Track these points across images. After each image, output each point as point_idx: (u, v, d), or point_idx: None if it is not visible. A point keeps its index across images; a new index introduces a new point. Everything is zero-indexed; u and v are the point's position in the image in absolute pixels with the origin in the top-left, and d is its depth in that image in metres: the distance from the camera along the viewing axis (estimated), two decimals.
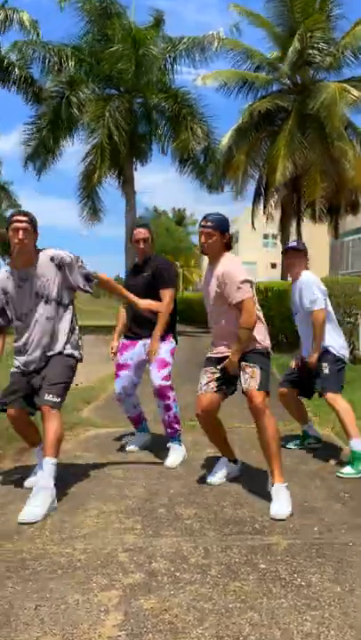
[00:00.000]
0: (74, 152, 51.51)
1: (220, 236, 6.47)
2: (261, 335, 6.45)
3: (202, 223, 6.49)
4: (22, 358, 6.37)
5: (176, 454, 7.59)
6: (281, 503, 5.81)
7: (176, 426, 7.60)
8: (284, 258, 7.80)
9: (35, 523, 5.44)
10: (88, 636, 3.61)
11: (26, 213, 6.30)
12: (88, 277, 6.45)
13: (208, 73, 32.03)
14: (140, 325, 7.76)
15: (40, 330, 6.33)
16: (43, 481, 5.83)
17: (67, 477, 6.62)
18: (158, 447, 7.97)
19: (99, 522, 5.47)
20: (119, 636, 3.62)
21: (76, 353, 6.49)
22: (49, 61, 31.99)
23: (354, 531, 5.33)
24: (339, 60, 30.53)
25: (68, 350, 6.42)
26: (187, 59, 32.79)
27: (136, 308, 7.14)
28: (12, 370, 6.44)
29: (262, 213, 34.69)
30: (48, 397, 6.06)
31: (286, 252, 7.81)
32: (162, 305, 7.41)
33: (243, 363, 6.35)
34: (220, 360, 6.52)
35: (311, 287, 7.48)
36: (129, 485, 6.49)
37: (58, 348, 6.38)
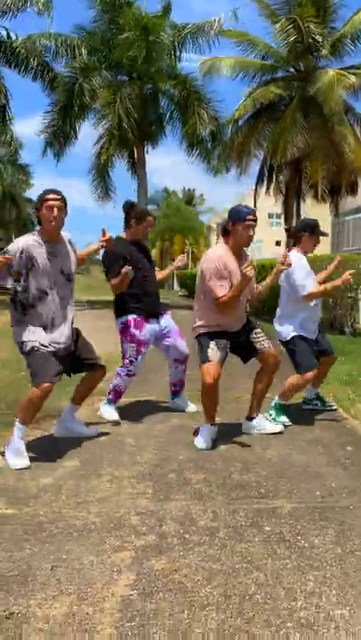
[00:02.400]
0: (86, 135, 51.54)
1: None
2: None
3: (254, 218, 6.71)
4: (50, 335, 6.36)
5: (189, 402, 8.32)
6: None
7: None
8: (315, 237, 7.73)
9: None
10: (102, 595, 3.61)
11: (57, 191, 6.40)
12: None
13: (211, 59, 31.74)
14: (154, 301, 7.96)
15: (65, 306, 6.47)
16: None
17: (81, 445, 6.62)
18: (163, 415, 8.03)
19: (112, 487, 5.47)
20: (131, 594, 3.62)
21: None
22: (63, 50, 31.86)
23: (354, 495, 5.33)
24: (338, 48, 30.39)
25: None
26: (192, 45, 32.77)
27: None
28: (39, 348, 6.29)
29: (265, 194, 34.66)
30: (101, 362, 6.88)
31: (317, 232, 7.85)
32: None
33: (252, 332, 6.89)
34: (231, 335, 6.81)
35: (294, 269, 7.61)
36: (140, 452, 6.49)
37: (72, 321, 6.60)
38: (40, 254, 6.32)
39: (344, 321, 17.08)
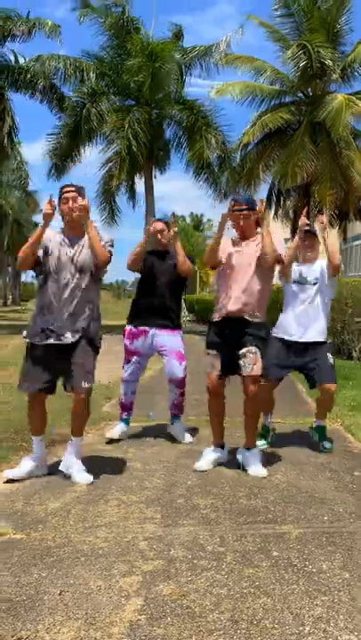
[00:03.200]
0: (91, 160, 51.73)
1: (254, 214, 6.80)
2: (265, 308, 6.84)
3: (236, 207, 6.72)
4: (43, 318, 6.35)
5: (184, 429, 8.23)
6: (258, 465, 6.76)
7: (183, 406, 8.18)
8: (301, 241, 7.75)
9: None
10: (110, 620, 3.62)
11: (73, 185, 6.51)
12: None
13: (220, 85, 31.82)
14: (149, 314, 7.89)
15: (69, 294, 6.35)
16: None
17: (89, 470, 6.62)
18: (172, 439, 8.06)
19: (120, 512, 5.47)
20: (139, 619, 3.63)
21: (96, 339, 6.50)
22: (71, 74, 32.08)
23: None
24: (347, 73, 30.45)
25: (95, 329, 6.47)
26: (200, 69, 32.94)
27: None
28: (30, 346, 6.42)
29: (273, 219, 34.64)
30: (84, 385, 6.29)
31: (307, 235, 7.88)
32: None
33: (246, 349, 6.63)
34: (223, 330, 6.79)
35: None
36: (148, 477, 6.49)
37: (82, 324, 6.35)
38: (55, 240, 6.43)
39: (352, 346, 17.10)
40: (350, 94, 29.22)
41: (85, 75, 32.01)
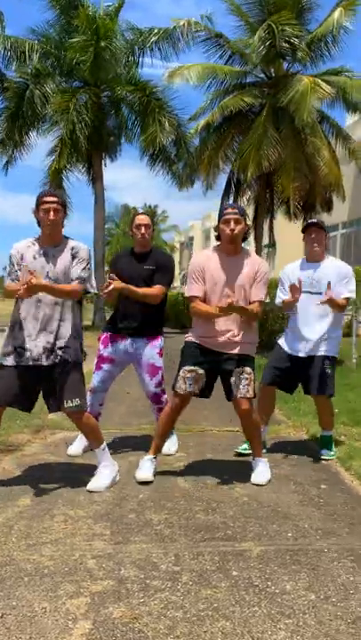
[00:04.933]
0: (43, 147, 51.37)
1: (245, 225, 6.79)
2: (256, 336, 6.94)
3: (228, 210, 6.72)
4: (17, 337, 6.44)
5: (171, 441, 7.98)
6: (259, 471, 6.94)
7: None
8: (306, 234, 7.77)
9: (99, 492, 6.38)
10: None
11: (54, 193, 6.55)
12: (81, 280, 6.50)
13: (176, 68, 31.61)
14: (128, 319, 7.72)
15: (43, 310, 6.40)
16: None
17: (33, 482, 6.61)
18: (122, 451, 8.03)
19: (67, 527, 5.46)
20: None
21: (79, 354, 6.59)
22: (12, 54, 31.91)
23: (329, 537, 5.36)
24: (313, 52, 30.41)
25: (75, 345, 6.51)
26: (158, 51, 32.78)
27: (133, 296, 7.29)
28: (3, 363, 6.49)
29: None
30: (68, 404, 6.41)
31: (309, 227, 7.89)
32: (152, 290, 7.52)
33: (241, 368, 6.69)
34: (208, 354, 6.80)
35: (352, 278, 7.77)
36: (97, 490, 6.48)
37: (62, 341, 6.43)
38: (29, 253, 6.48)
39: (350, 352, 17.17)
40: (316, 75, 29.20)
41: (28, 55, 31.83)
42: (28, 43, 32.03)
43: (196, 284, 6.84)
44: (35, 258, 6.43)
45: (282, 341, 7.91)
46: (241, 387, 6.66)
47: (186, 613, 4.00)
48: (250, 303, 6.67)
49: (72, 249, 6.51)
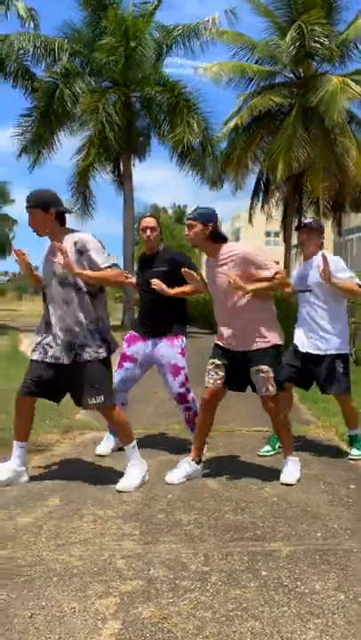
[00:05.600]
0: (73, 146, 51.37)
1: (203, 226, 6.67)
2: (269, 331, 6.75)
3: (189, 217, 6.81)
4: (44, 334, 6.62)
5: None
6: (288, 471, 6.91)
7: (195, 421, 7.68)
8: (298, 235, 7.83)
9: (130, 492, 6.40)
10: None
11: (27, 197, 6.50)
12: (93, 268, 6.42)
13: (209, 64, 31.74)
14: (149, 320, 7.76)
15: (55, 308, 6.49)
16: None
17: (62, 482, 6.62)
18: (151, 450, 8.03)
19: (96, 527, 5.46)
20: None
21: (100, 350, 6.54)
22: (41, 52, 32.02)
23: (358, 536, 5.34)
24: (342, 52, 30.30)
25: (88, 341, 6.48)
26: (183, 48, 32.86)
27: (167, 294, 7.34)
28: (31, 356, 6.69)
29: (260, 210, 34.46)
30: (91, 401, 6.47)
31: (300, 228, 7.90)
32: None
33: (255, 367, 6.65)
34: (228, 351, 6.83)
35: (342, 263, 7.75)
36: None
37: (79, 341, 6.46)
38: (46, 252, 6.63)
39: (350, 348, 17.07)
40: (344, 75, 29.16)
41: (57, 54, 31.94)
42: (57, 42, 32.19)
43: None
44: (46, 258, 6.59)
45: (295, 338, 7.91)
46: (258, 386, 6.69)
47: (215, 613, 3.99)
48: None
49: (75, 244, 6.41)
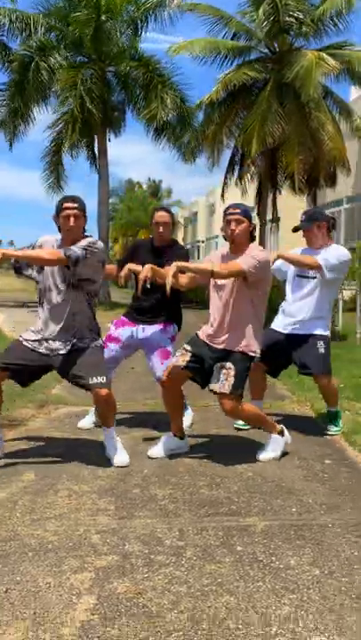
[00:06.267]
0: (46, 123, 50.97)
1: (249, 224, 6.68)
2: (250, 338, 6.66)
3: (230, 211, 6.69)
4: (39, 329, 6.65)
5: (186, 418, 7.79)
6: (268, 448, 6.92)
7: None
8: (303, 233, 7.84)
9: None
10: (60, 620, 3.60)
11: (75, 199, 6.54)
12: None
13: (180, 43, 31.49)
14: (141, 313, 7.77)
15: (61, 311, 6.54)
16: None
17: (37, 457, 6.62)
18: (127, 426, 8.06)
19: (71, 503, 5.46)
20: (92, 619, 3.62)
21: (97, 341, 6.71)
22: (18, 27, 31.81)
23: (333, 512, 5.36)
24: (317, 27, 30.18)
25: (89, 340, 6.63)
26: (155, 22, 32.65)
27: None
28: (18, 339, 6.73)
29: (235, 185, 34.38)
30: (93, 380, 6.42)
31: (303, 229, 7.93)
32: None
33: (221, 363, 6.58)
34: (204, 345, 6.76)
35: (337, 251, 7.78)
36: (102, 465, 6.48)
37: (79, 335, 6.58)
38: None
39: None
40: (320, 49, 29.04)
41: (33, 28, 31.71)
42: (33, 16, 31.93)
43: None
44: None
45: (271, 327, 7.89)
46: (216, 380, 6.57)
47: (190, 588, 4.00)
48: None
49: (84, 247, 6.40)
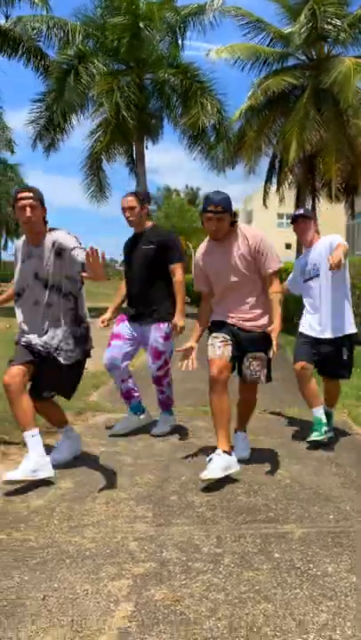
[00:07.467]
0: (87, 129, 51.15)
1: (230, 217, 6.50)
2: (265, 316, 6.64)
3: (210, 208, 6.38)
4: (23, 339, 6.37)
5: (164, 423, 7.99)
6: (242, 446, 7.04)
7: (169, 402, 8.03)
8: (294, 226, 7.81)
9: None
10: (97, 627, 3.61)
11: (30, 189, 6.21)
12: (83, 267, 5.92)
13: (222, 47, 31.59)
14: (136, 304, 7.79)
15: (39, 313, 6.29)
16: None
17: (75, 464, 6.62)
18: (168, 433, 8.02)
19: (108, 510, 5.47)
20: (129, 627, 3.62)
21: (77, 350, 6.41)
22: (55, 33, 31.97)
23: None
24: (355, 33, 30.12)
25: (69, 346, 6.33)
26: (194, 30, 32.73)
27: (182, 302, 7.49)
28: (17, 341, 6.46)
29: (275, 192, 34.34)
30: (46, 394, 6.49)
31: (296, 219, 7.87)
32: (177, 288, 7.61)
33: (251, 353, 6.53)
34: (227, 325, 6.64)
35: (338, 238, 7.72)
36: (139, 472, 6.49)
37: (55, 341, 6.28)
38: (22, 254, 6.39)
39: (360, 330, 16.97)
40: (357, 56, 28.99)
41: (71, 36, 31.83)
42: (70, 23, 32.06)
43: (199, 279, 6.89)
44: (23, 260, 6.37)
45: (300, 332, 7.85)
46: (248, 370, 6.57)
47: (228, 596, 3.99)
48: (265, 278, 6.56)
49: (53, 244, 6.17)
